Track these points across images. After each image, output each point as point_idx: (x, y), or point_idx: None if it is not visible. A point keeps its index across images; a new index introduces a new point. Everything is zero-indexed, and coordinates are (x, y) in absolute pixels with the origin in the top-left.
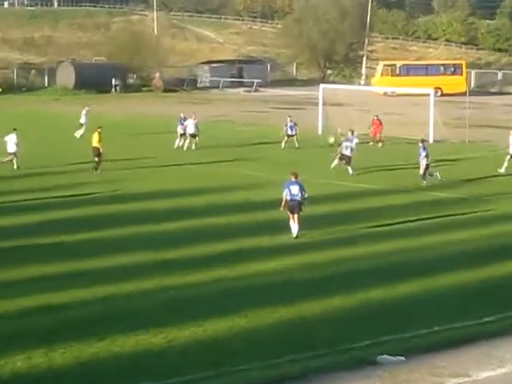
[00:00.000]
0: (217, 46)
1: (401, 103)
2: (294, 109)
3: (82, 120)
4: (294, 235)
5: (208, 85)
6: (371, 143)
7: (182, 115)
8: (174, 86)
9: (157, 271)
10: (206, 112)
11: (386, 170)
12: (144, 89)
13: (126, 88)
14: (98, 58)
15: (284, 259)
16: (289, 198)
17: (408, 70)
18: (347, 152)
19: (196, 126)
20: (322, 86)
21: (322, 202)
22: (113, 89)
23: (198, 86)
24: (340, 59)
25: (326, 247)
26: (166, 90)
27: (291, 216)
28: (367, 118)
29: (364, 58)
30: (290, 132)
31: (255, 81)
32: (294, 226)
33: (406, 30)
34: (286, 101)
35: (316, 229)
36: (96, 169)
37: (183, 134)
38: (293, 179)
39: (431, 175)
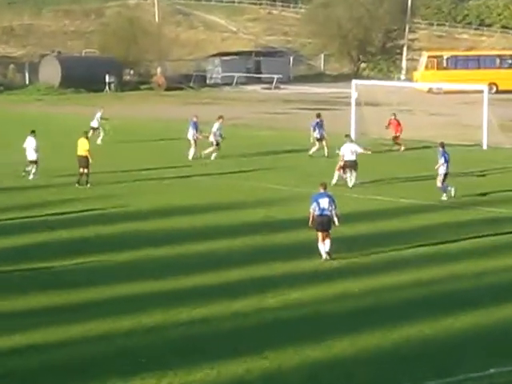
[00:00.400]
0: (229, 35)
1: (448, 102)
2: (321, 109)
3: (94, 123)
4: (324, 257)
5: (219, 81)
6: (396, 148)
7: (193, 118)
8: (178, 84)
9: (161, 303)
10: (217, 114)
11: (426, 180)
12: (143, 87)
13: (122, 86)
14: (88, 50)
15: (310, 288)
16: (317, 212)
17: (457, 63)
18: (352, 157)
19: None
20: (354, 82)
21: (356, 220)
22: (106, 87)
23: (207, 82)
24: (376, 50)
25: (361, 273)
26: (169, 89)
27: (320, 235)
28: (409, 119)
29: (404, 49)
30: (317, 134)
31: (275, 76)
32: (325, 246)
33: (454, 14)
34: (311, 100)
35: (349, 251)
36: (85, 182)
37: (188, 140)
38: (321, 191)
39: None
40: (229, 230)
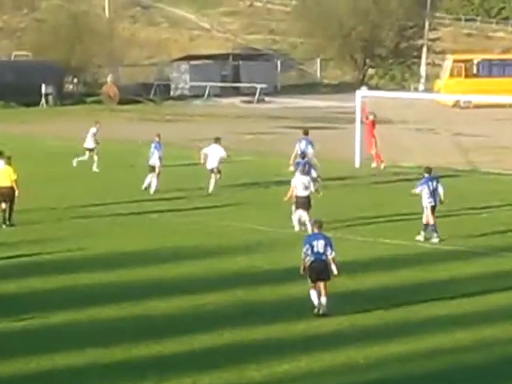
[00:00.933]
0: (200, 33)
1: (479, 118)
2: (317, 128)
3: (89, 144)
4: (319, 311)
5: (187, 93)
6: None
7: (156, 139)
8: (134, 96)
9: (111, 379)
10: (184, 134)
11: (447, 217)
12: (90, 99)
13: (63, 98)
14: (19, 53)
15: (304, 357)
16: (311, 258)
17: (491, 69)
18: (304, 192)
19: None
20: (359, 93)
21: (361, 269)
22: (42, 100)
23: (171, 94)
24: (387, 53)
25: (367, 338)
26: (122, 102)
27: (314, 285)
28: (429, 141)
29: (423, 51)
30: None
31: (258, 86)
32: (321, 299)
33: (488, 7)
34: (304, 116)
35: (352, 309)
36: (4, 220)
37: (150, 167)
38: (316, 231)
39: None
40: (200, 283)
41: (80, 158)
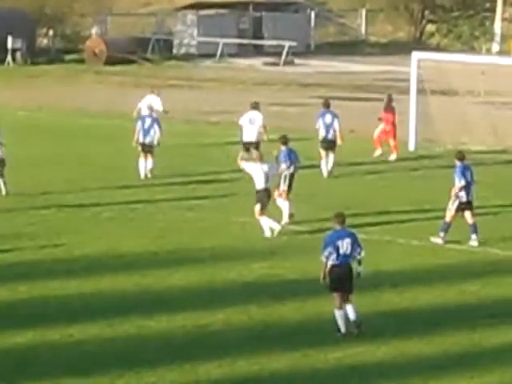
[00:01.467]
0: None
1: None
2: (360, 100)
3: (144, 110)
4: (342, 330)
5: (194, 51)
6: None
7: (146, 110)
8: (126, 54)
9: None
10: (190, 104)
11: None
12: (69, 57)
13: (35, 55)
14: None
15: None
16: (335, 261)
17: None
18: (263, 185)
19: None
20: (416, 55)
21: (414, 282)
22: (8, 57)
23: (173, 53)
24: (451, 4)
25: (423, 371)
26: (111, 61)
27: (339, 297)
28: (504, 118)
29: (499, 2)
30: (323, 134)
31: (286, 44)
32: (349, 314)
33: None
34: (345, 84)
35: (403, 335)
36: None
37: (146, 147)
38: (338, 228)
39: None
40: (206, 296)
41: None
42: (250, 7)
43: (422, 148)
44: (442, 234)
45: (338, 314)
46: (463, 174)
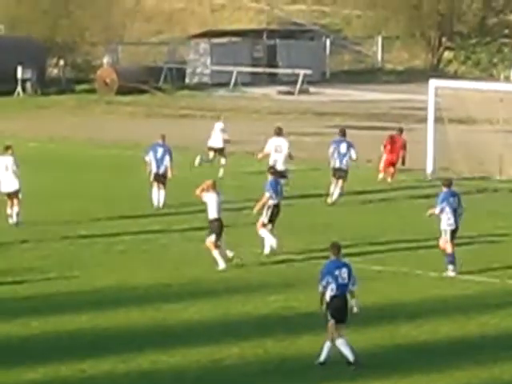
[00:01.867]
0: (225, 2)
1: None
2: (376, 128)
3: (217, 142)
4: (351, 358)
5: (207, 80)
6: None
7: (159, 141)
8: (138, 83)
9: None
10: (203, 134)
11: None
12: (80, 87)
13: (45, 86)
14: None
15: None
16: (334, 292)
17: None
18: (215, 214)
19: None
20: (433, 82)
21: (432, 315)
22: (18, 87)
23: (186, 82)
24: (470, 30)
25: None
26: (122, 91)
27: (334, 327)
28: None
29: None
30: (337, 163)
31: (301, 72)
32: (337, 341)
33: None
34: (362, 112)
35: (423, 369)
36: None
37: (161, 177)
38: (333, 258)
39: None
40: (220, 330)
41: (203, 160)
42: (264, 35)
43: (440, 177)
44: (451, 267)
45: (329, 345)
46: (447, 201)
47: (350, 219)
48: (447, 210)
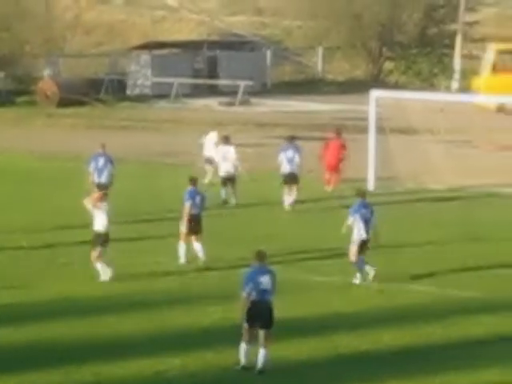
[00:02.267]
0: (166, 13)
1: None
2: (317, 139)
3: (210, 151)
4: (243, 362)
5: (148, 91)
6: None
7: (100, 150)
8: (79, 95)
9: None
10: (144, 147)
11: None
12: (20, 99)
13: None
14: None
15: None
16: (254, 297)
17: None
18: (100, 227)
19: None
20: (374, 93)
21: (375, 324)
22: None
23: (127, 93)
24: (410, 40)
25: None
26: (63, 103)
27: (249, 331)
28: (465, 156)
29: (458, 39)
30: (286, 168)
31: (242, 84)
32: (260, 351)
33: None
34: (303, 123)
35: (365, 380)
36: None
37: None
38: (256, 264)
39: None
40: (163, 340)
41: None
42: (205, 46)
43: (381, 187)
44: (358, 275)
45: (244, 347)
46: (359, 212)
47: (293, 229)
48: (359, 220)
